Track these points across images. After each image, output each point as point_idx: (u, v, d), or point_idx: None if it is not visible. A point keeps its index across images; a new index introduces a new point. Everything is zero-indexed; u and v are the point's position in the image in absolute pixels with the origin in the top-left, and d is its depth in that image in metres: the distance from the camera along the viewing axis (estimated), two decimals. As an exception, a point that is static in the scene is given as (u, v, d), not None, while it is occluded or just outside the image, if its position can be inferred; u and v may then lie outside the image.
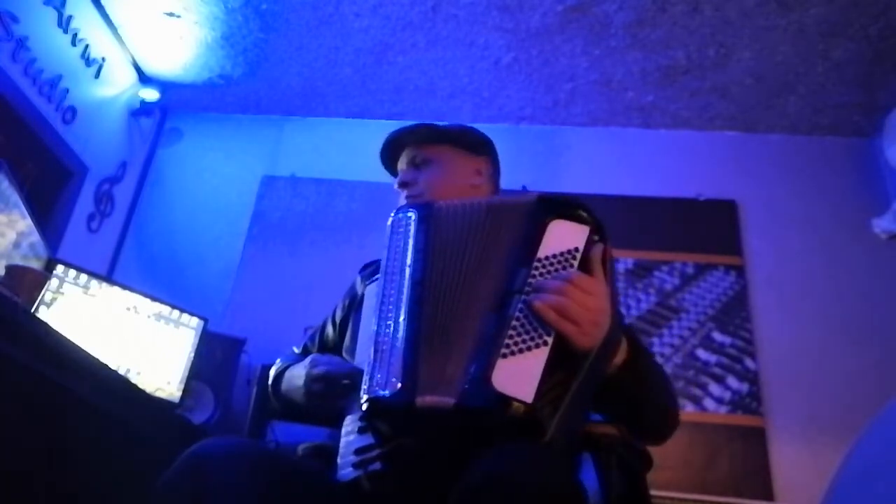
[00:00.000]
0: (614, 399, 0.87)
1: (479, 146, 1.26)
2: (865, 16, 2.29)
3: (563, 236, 0.83)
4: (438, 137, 1.24)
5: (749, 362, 2.44)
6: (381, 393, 0.77)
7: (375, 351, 0.81)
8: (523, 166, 2.92)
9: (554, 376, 0.73)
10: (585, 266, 0.81)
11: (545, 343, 0.74)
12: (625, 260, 2.68)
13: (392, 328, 0.82)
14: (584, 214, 0.85)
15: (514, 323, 0.76)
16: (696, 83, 2.70)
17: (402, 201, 1.18)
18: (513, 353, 0.73)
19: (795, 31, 2.40)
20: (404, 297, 0.84)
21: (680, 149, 2.93)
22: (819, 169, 2.81)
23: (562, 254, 0.81)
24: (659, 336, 2.53)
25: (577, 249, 0.81)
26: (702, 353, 2.48)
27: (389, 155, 1.29)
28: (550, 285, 0.77)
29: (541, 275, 0.80)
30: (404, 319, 0.82)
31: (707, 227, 2.72)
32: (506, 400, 0.70)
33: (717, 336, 2.51)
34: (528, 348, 0.74)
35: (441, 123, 1.28)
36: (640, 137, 2.98)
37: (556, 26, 2.50)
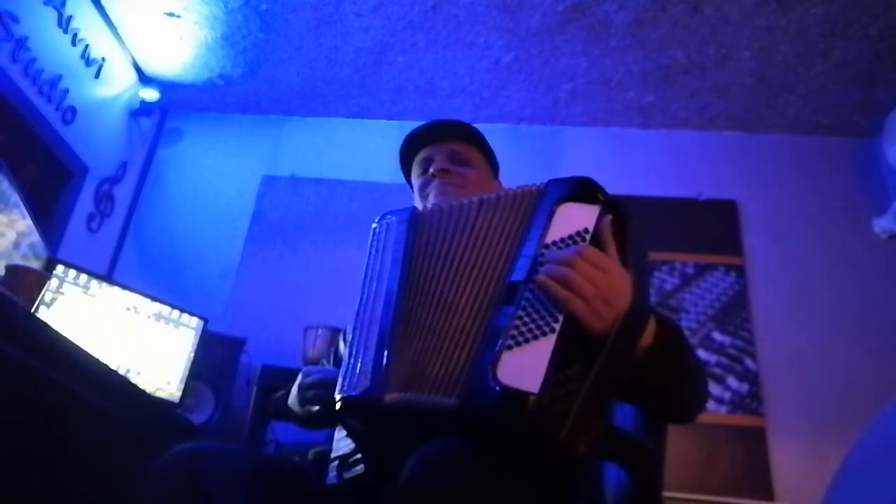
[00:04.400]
0: (647, 386, 0.77)
1: (497, 171, 1.27)
2: (865, 15, 2.29)
3: (572, 219, 0.77)
4: (484, 147, 1.21)
5: (749, 362, 2.44)
6: (351, 392, 0.78)
7: (349, 353, 0.82)
8: (523, 166, 2.91)
9: (567, 368, 0.68)
10: (597, 245, 0.76)
11: (552, 330, 0.68)
12: (625, 260, 2.68)
13: (366, 330, 0.83)
14: (595, 194, 0.79)
15: (520, 313, 0.71)
16: (696, 83, 2.70)
17: (431, 191, 1.12)
18: (518, 344, 0.69)
19: (795, 31, 2.40)
20: (380, 301, 0.84)
21: (680, 149, 2.93)
22: (819, 169, 2.81)
23: (570, 236, 0.76)
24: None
25: (586, 230, 0.76)
26: (702, 354, 2.48)
27: (423, 140, 1.20)
28: (555, 257, 0.73)
29: (547, 258, 0.75)
30: (378, 321, 0.82)
31: (707, 227, 2.72)
32: (512, 393, 0.65)
33: (717, 336, 2.51)
34: (535, 337, 0.69)
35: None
36: (640, 137, 2.98)
37: (556, 26, 2.50)
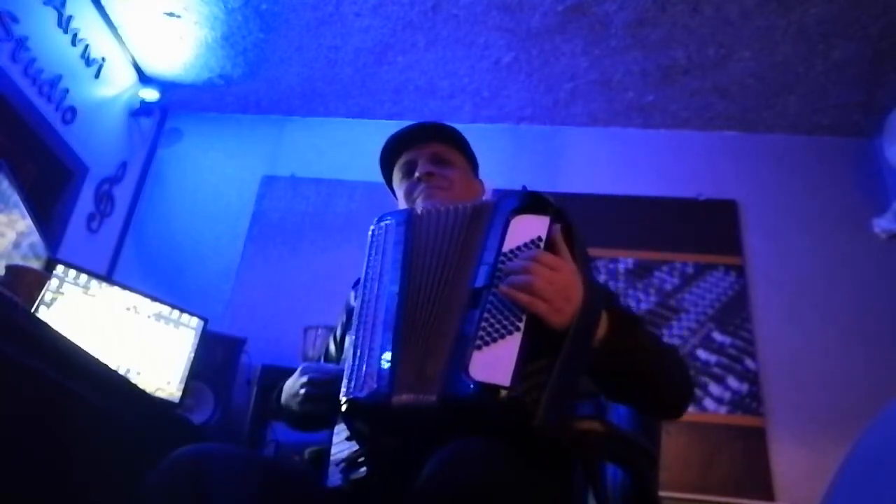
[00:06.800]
0: (608, 377, 0.84)
1: (477, 169, 1.28)
2: (865, 16, 2.29)
3: (526, 229, 0.84)
4: (464, 146, 1.22)
5: (749, 362, 2.44)
6: (358, 394, 0.79)
7: (354, 354, 0.83)
8: (523, 166, 2.92)
9: (535, 362, 0.73)
10: (550, 250, 0.82)
11: (517, 329, 0.75)
12: (625, 260, 2.68)
13: (370, 332, 0.84)
14: (543, 205, 0.85)
15: (485, 315, 0.77)
16: (696, 83, 2.70)
17: (418, 196, 1.13)
18: (486, 344, 0.74)
19: (795, 31, 2.40)
20: (383, 302, 0.86)
21: (680, 149, 2.93)
22: (819, 169, 2.81)
23: (525, 244, 0.83)
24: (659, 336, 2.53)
25: (539, 239, 0.83)
26: (702, 353, 2.48)
27: (404, 143, 1.21)
28: (516, 266, 0.78)
29: (507, 267, 0.81)
30: (382, 323, 0.83)
31: (707, 227, 2.72)
32: (485, 387, 0.70)
33: (717, 336, 2.51)
34: (502, 336, 0.74)
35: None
36: (640, 137, 2.98)
37: (556, 26, 2.50)
